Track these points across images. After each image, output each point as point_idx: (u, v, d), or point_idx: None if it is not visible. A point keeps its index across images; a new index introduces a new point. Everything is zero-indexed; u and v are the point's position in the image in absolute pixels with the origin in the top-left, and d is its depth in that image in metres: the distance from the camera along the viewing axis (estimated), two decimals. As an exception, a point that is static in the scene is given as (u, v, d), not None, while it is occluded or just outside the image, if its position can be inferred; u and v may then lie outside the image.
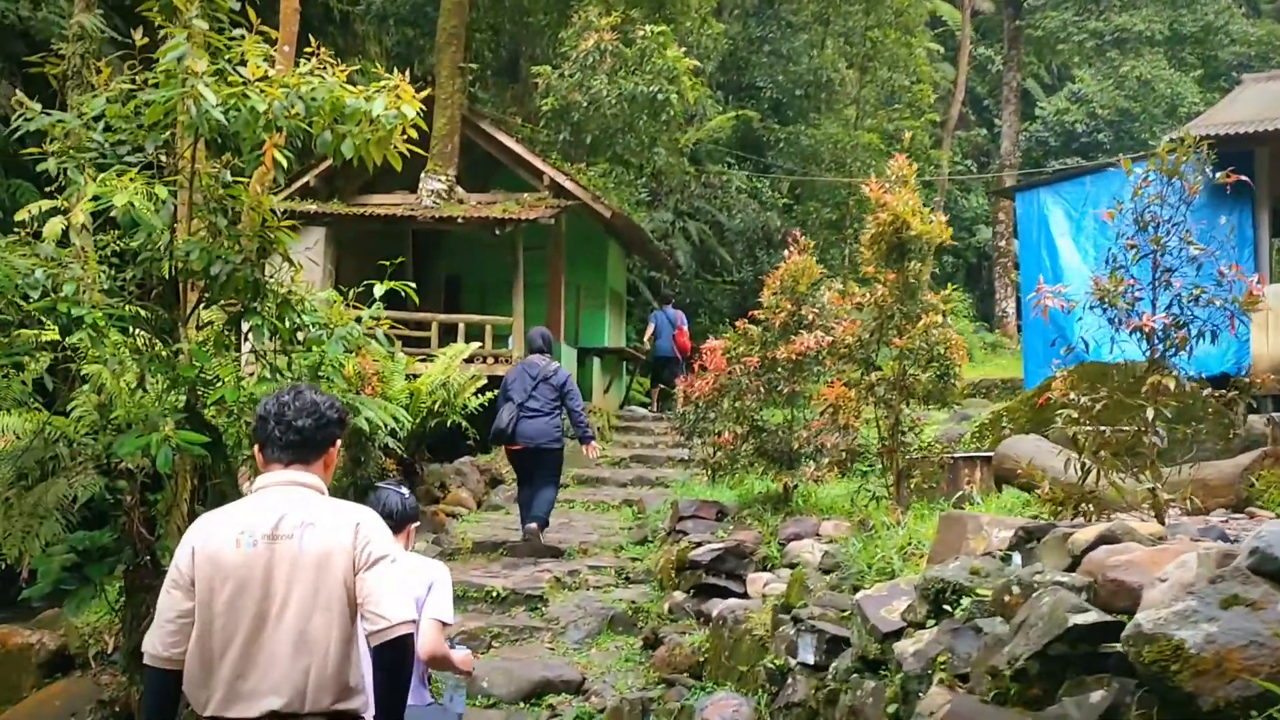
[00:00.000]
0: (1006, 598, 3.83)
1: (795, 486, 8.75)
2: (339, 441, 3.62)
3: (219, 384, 9.45)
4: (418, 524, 4.91)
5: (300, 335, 9.64)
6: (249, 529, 3.30)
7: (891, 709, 4.30)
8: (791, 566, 7.80)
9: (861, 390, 7.77)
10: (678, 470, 14.01)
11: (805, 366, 8.48)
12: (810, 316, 8.60)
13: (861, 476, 10.57)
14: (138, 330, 9.47)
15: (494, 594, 8.90)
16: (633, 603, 8.80)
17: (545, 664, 7.82)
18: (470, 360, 14.22)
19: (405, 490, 4.82)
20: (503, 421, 9.95)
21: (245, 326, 9.66)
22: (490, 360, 15.59)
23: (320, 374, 9.72)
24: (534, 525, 10.03)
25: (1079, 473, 4.92)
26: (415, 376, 12.43)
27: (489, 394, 13.53)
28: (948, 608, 4.28)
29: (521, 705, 7.45)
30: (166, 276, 9.38)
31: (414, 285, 9.75)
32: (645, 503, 11.58)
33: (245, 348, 11.04)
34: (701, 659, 6.74)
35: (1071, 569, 3.91)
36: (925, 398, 7.78)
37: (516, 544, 10.18)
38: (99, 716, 11.07)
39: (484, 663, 7.87)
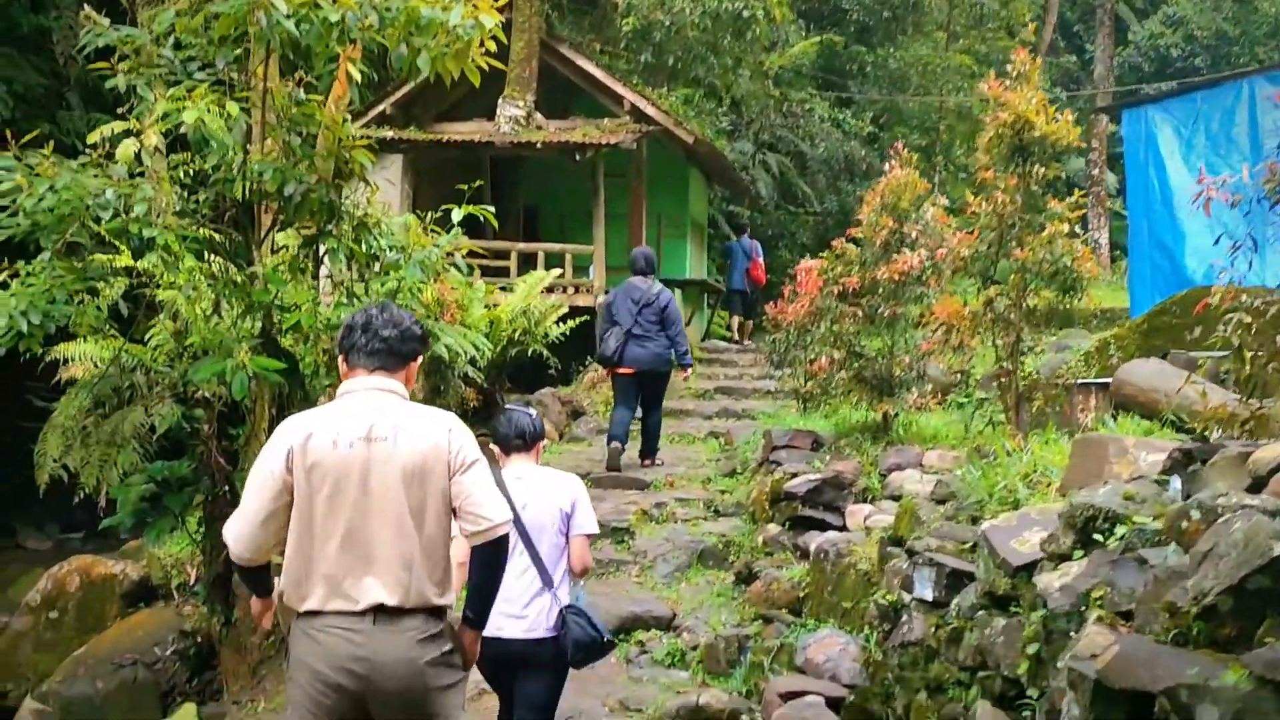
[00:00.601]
0: (1183, 524, 3.33)
1: (896, 415, 8.25)
2: (419, 359, 3.67)
3: (295, 310, 9.17)
4: (545, 442, 5.03)
5: (377, 260, 9.33)
6: (344, 431, 3.37)
7: (1031, 649, 3.86)
8: (894, 499, 7.35)
9: (979, 307, 7.22)
10: (764, 402, 13.55)
11: (907, 288, 7.95)
12: (913, 234, 8.06)
13: (960, 407, 10.09)
14: (212, 256, 9.22)
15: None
16: (723, 536, 8.41)
17: (633, 599, 7.48)
18: (550, 290, 13.86)
19: (533, 411, 4.93)
20: (610, 347, 9.83)
21: (321, 250, 9.40)
22: (570, 290, 15.23)
23: (398, 300, 9.40)
24: (616, 444, 10.00)
25: (1240, 390, 4.39)
26: (494, 305, 12.09)
27: (570, 323, 13.20)
28: (1099, 537, 3.80)
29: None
30: (240, 198, 9.09)
31: (493, 210, 9.38)
32: (733, 435, 11.15)
33: (321, 273, 10.78)
34: (801, 594, 6.33)
35: (1254, 492, 3.41)
36: (1048, 316, 7.21)
37: (601, 475, 9.84)
38: (181, 646, 10.98)
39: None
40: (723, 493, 9.47)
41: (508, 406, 5.17)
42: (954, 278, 7.56)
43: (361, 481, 3.34)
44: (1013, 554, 4.27)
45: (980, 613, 4.41)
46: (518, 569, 4.35)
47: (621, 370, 9.95)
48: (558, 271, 14.30)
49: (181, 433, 10.13)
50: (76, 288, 8.35)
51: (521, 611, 4.43)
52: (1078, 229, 7.26)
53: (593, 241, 15.71)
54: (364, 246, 8.97)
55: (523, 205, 19.41)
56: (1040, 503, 4.82)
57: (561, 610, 4.49)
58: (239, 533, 3.51)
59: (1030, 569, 4.22)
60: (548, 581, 4.49)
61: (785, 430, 8.38)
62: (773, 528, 7.63)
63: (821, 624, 5.98)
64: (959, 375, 11.28)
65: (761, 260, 18.71)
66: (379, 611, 3.31)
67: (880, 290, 7.99)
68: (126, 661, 10.80)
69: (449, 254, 9.38)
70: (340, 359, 3.64)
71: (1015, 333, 7.11)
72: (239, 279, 8.87)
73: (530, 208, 19.68)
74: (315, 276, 10.76)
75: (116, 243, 8.44)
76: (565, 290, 15.10)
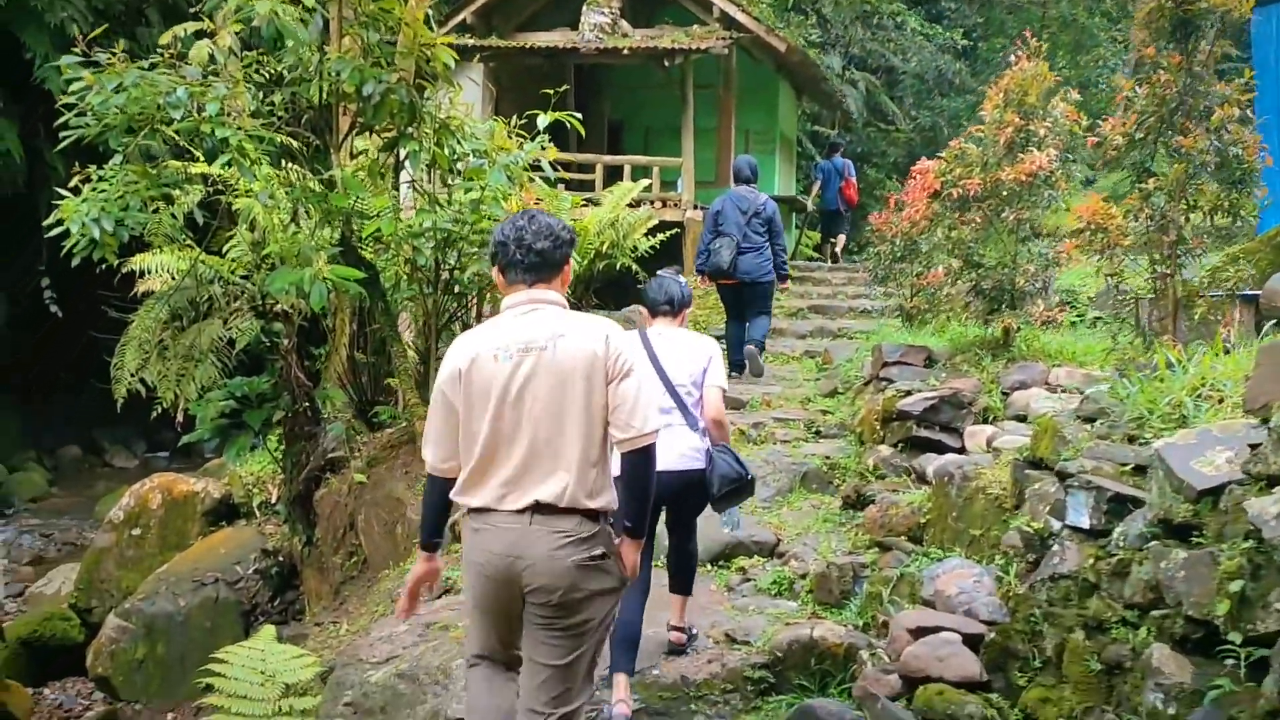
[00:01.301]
0: None
1: (1018, 330, 7.62)
2: (571, 261, 3.80)
3: (374, 218, 8.76)
4: (691, 308, 5.34)
5: (460, 166, 8.85)
6: (505, 344, 3.55)
7: (1234, 586, 3.28)
8: (1019, 419, 6.78)
9: (1135, 204, 6.53)
10: (861, 321, 12.94)
11: (1034, 191, 7.27)
12: (1041, 132, 7.36)
13: (1073, 326, 9.44)
14: (289, 162, 8.80)
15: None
16: (827, 459, 7.88)
17: (734, 523, 6.99)
18: (637, 203, 13.33)
19: (682, 278, 5.30)
20: (724, 259, 9.54)
21: (401, 155, 8.97)
22: (658, 204, 14.67)
23: (482, 210, 8.93)
24: (752, 346, 9.80)
25: None
26: (580, 218, 11.57)
27: (659, 236, 12.67)
28: (1318, 456, 3.22)
29: (709, 567, 6.67)
30: (317, 101, 8.65)
31: (579, 116, 8.83)
32: (831, 353, 10.58)
33: (401, 180, 10.32)
34: (922, 521, 5.79)
35: None
36: (1211, 211, 6.49)
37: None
38: (263, 565, 10.80)
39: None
40: (824, 413, 8.94)
41: (659, 272, 5.40)
42: (1103, 170, 6.85)
43: (521, 390, 3.51)
44: (1196, 476, 3.69)
45: (1153, 543, 3.85)
46: (667, 415, 4.74)
47: (729, 281, 9.74)
48: (645, 183, 13.74)
49: (261, 348, 9.82)
50: (151, 194, 7.99)
51: (672, 445, 4.69)
52: (1248, 113, 6.51)
53: (681, 153, 15.06)
54: (446, 151, 8.50)
55: (607, 120, 18.82)
56: (1215, 419, 4.22)
57: (708, 449, 4.90)
58: (427, 449, 3.76)
59: (1216, 493, 3.65)
60: (691, 421, 4.90)
61: (896, 345, 7.80)
62: (884, 449, 7.08)
63: (947, 553, 5.45)
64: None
65: (854, 180, 17.91)
66: (535, 510, 3.48)
67: (1004, 193, 7.31)
68: (208, 580, 10.68)
69: (535, 162, 8.88)
70: (495, 272, 3.77)
71: (1175, 232, 6.39)
72: (316, 185, 8.46)
73: (615, 123, 19.12)
74: (396, 184, 10.31)
75: (191, 149, 8.09)
76: (653, 204, 14.55)
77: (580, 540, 3.50)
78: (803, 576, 6.08)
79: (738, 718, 4.89)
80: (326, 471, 9.61)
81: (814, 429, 8.63)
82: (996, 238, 7.51)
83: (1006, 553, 4.92)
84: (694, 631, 5.48)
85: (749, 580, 6.39)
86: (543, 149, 8.91)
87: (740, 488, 5.02)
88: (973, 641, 4.47)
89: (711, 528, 6.69)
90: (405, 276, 9.24)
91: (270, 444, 10.58)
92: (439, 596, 7.01)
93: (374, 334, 10.16)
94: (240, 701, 5.11)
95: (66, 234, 7.27)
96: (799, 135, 23.01)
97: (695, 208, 14.84)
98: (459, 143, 8.46)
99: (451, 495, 3.67)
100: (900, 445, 7.02)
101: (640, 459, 3.58)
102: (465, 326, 10.70)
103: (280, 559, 10.50)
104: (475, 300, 9.78)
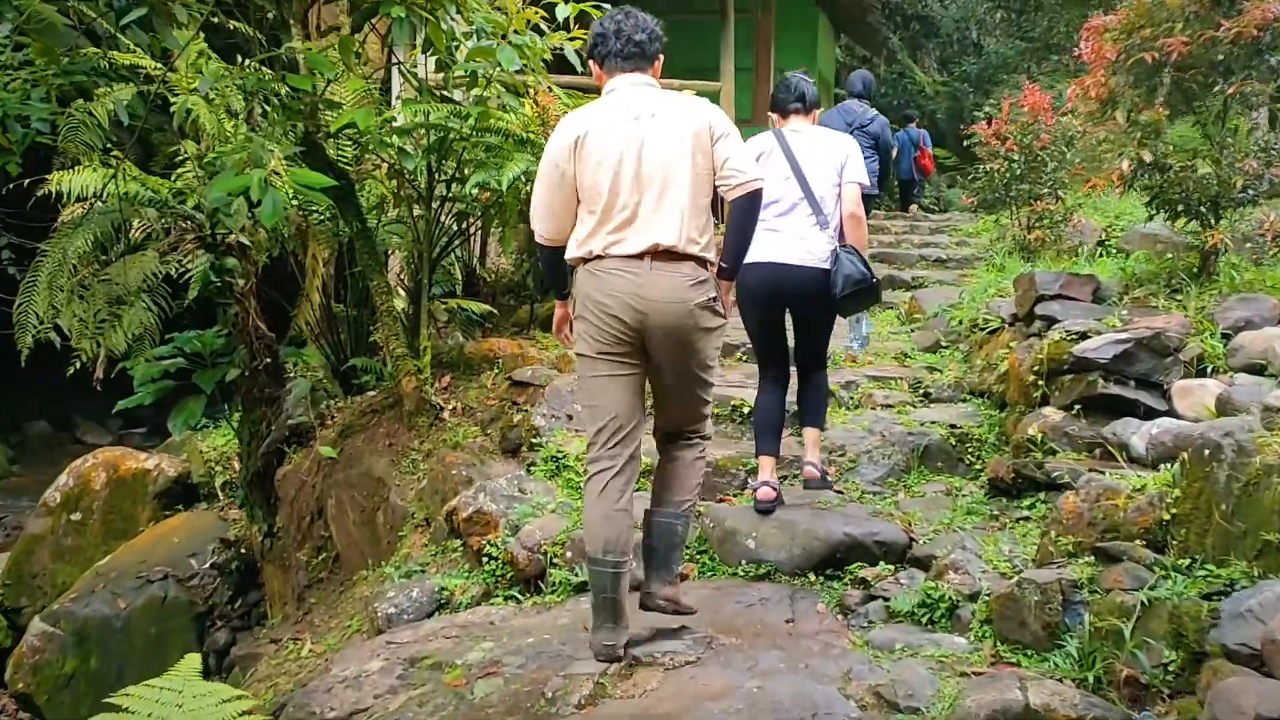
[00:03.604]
0: None
1: (1222, 252, 5.54)
2: (662, 55, 4.09)
3: (348, 109, 6.76)
4: (820, 110, 5.27)
5: (461, 45, 6.84)
6: (616, 115, 3.89)
7: None
8: (1254, 369, 4.76)
9: None
10: (934, 270, 10.89)
11: (1262, 54, 5.20)
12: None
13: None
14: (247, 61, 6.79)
15: (740, 409, 6.08)
16: (953, 428, 5.87)
17: (841, 514, 4.98)
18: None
19: (811, 79, 5.24)
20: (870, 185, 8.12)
21: (385, 33, 6.97)
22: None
23: (491, 110, 6.91)
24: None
25: None
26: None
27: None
28: None
29: (811, 578, 4.69)
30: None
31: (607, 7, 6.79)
32: (920, 302, 8.52)
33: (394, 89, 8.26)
34: (1165, 517, 3.75)
35: None
36: None
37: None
38: (222, 558, 8.89)
39: (745, 512, 5.10)
40: (930, 370, 6.89)
41: (787, 74, 5.30)
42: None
43: (637, 153, 3.83)
44: None
45: None
46: (797, 212, 4.89)
47: None
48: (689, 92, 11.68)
49: (211, 289, 7.80)
50: (58, 83, 5.97)
51: (802, 240, 4.87)
52: None
53: (721, 75, 12.97)
54: (441, 24, 6.48)
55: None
56: None
57: (835, 249, 4.88)
58: (538, 219, 4.04)
59: None
60: (823, 220, 4.88)
61: (1055, 274, 5.70)
62: (1051, 413, 5.03)
63: (1223, 567, 3.44)
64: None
65: (930, 150, 17.75)
66: (655, 255, 3.80)
67: (1220, 56, 5.23)
68: (156, 576, 8.99)
69: (558, 45, 6.85)
70: (594, 65, 4.11)
71: None
72: (266, 76, 6.46)
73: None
74: (387, 77, 8.27)
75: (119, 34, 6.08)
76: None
77: (698, 283, 3.84)
78: (970, 598, 4.05)
79: None
80: (291, 444, 7.62)
81: (921, 390, 6.61)
82: (1202, 122, 5.44)
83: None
84: (830, 474, 5.38)
85: (875, 598, 4.41)
86: (569, 37, 6.88)
87: (866, 289, 4.91)
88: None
89: (802, 516, 4.76)
90: (391, 195, 7.21)
91: (229, 412, 8.65)
92: (430, 615, 5.05)
93: (356, 277, 8.15)
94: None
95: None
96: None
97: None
98: (457, 11, 6.41)
99: (569, 255, 3.94)
100: (1076, 407, 4.98)
101: (746, 202, 3.88)
102: (466, 265, 8.70)
103: (242, 550, 8.61)
104: (479, 223, 7.74)
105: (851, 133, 8.70)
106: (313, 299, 8.37)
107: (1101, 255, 8.79)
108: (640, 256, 3.79)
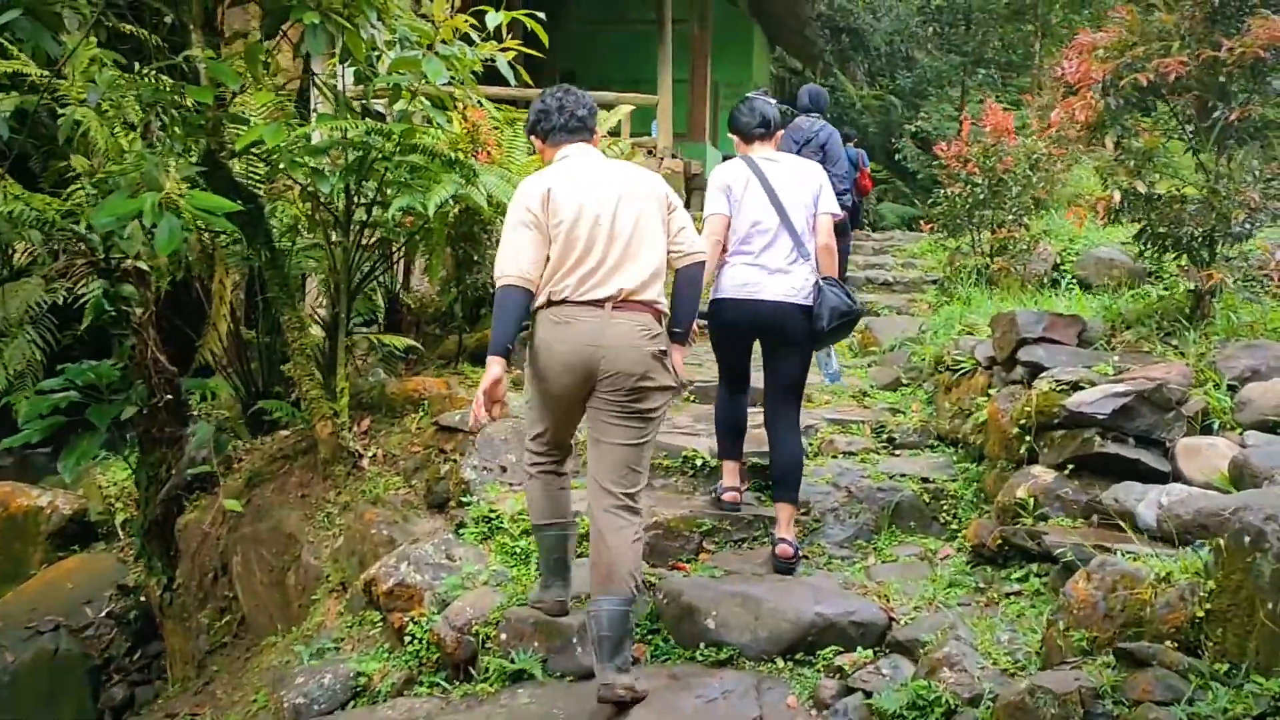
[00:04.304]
0: None
1: (1215, 293, 5.08)
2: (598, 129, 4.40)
3: (256, 124, 6.11)
4: (784, 133, 5.67)
5: (383, 55, 6.22)
6: (581, 174, 4.09)
7: None
8: (1265, 427, 4.31)
9: None
10: (882, 294, 10.47)
11: (1265, 76, 4.72)
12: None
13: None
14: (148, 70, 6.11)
15: (695, 461, 5.52)
16: (925, 482, 5.36)
17: (813, 589, 4.45)
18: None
19: (773, 100, 5.15)
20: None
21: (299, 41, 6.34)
22: (632, 147, 12.04)
23: (418, 128, 6.30)
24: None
25: None
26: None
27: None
28: None
29: (780, 664, 4.15)
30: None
31: (541, 18, 6.23)
32: (874, 332, 8.03)
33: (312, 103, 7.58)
34: (1198, 614, 3.25)
35: None
36: None
37: (707, 383, 6.78)
38: (121, 606, 8.18)
39: (703, 584, 4.54)
40: (893, 412, 6.39)
41: (748, 95, 5.19)
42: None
43: (612, 210, 4.02)
44: None
45: None
46: (778, 244, 4.82)
47: None
48: (615, 119, 11.10)
49: (105, 319, 7.08)
50: (-76, 92, 5.29)
51: (785, 274, 4.79)
52: None
53: (658, 89, 12.44)
54: (361, 31, 5.86)
55: (559, 70, 16.17)
56: None
57: (817, 280, 4.80)
58: (509, 264, 4.00)
59: None
60: (804, 252, 4.81)
61: (1037, 314, 5.18)
62: (1040, 472, 4.53)
63: (1271, 679, 2.94)
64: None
65: (868, 170, 16.21)
66: (617, 303, 3.96)
67: (1223, 77, 4.74)
68: (47, 626, 8.28)
69: (490, 56, 6.26)
70: (535, 140, 4.40)
71: None
72: (165, 86, 5.79)
73: (565, 73, 16.47)
74: (305, 90, 7.62)
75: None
76: (621, 153, 11.92)
77: (653, 335, 4.03)
78: (971, 702, 3.52)
79: None
80: (193, 490, 6.92)
81: (885, 435, 6.10)
82: (1202, 148, 4.97)
83: None
84: (799, 551, 4.91)
85: (854, 690, 3.86)
86: (501, 47, 6.30)
87: (849, 322, 4.86)
88: None
89: (765, 591, 4.24)
90: (305, 217, 6.56)
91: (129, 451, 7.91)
92: (344, 705, 4.42)
93: (269, 305, 7.45)
94: None
95: None
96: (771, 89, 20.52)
97: (673, 156, 12.26)
98: (380, 20, 5.79)
99: (540, 294, 4.04)
100: (1069, 467, 4.48)
101: (695, 270, 4.20)
102: (389, 291, 8.05)
103: (142, 598, 7.88)
104: (403, 251, 7.10)
105: (799, 150, 8.63)
106: (220, 328, 7.66)
107: (1062, 284, 8.40)
108: (602, 303, 3.94)
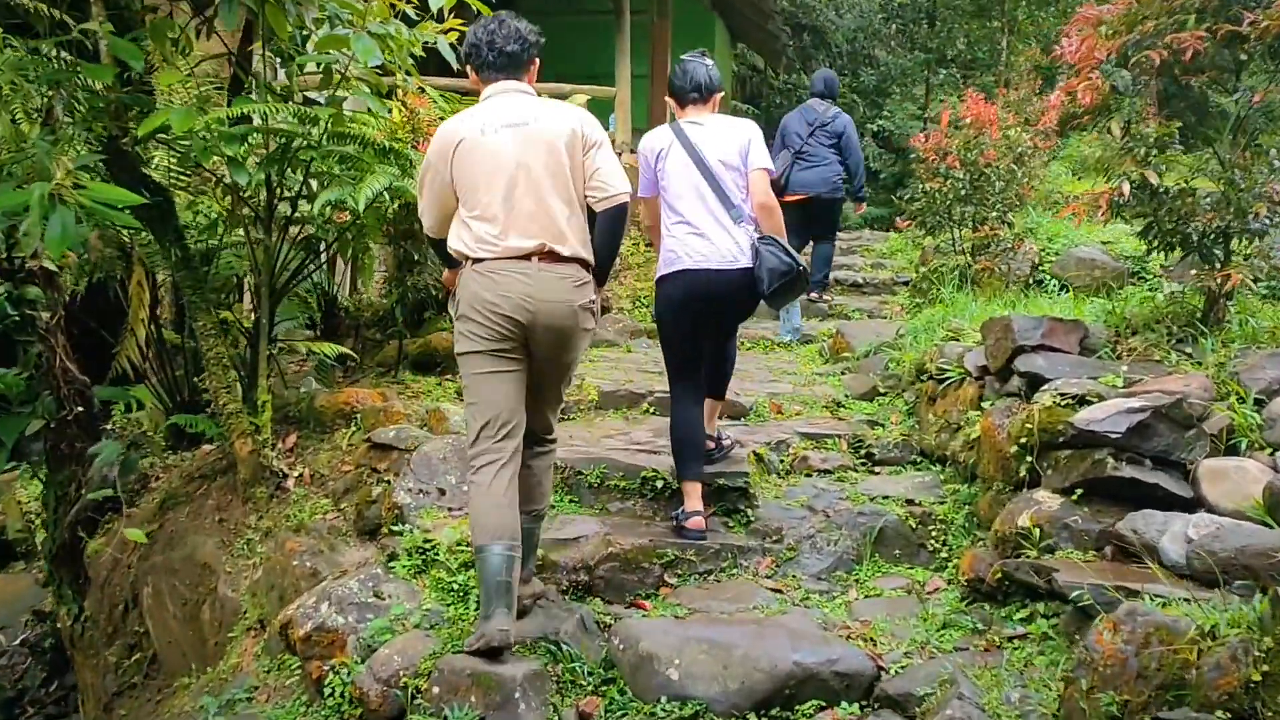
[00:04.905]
0: None
1: (1231, 295, 4.58)
2: (538, 60, 4.13)
3: (165, 107, 5.50)
4: (723, 93, 5.00)
5: (311, 40, 5.65)
6: (489, 121, 3.93)
7: None
8: (1301, 448, 3.81)
9: None
10: (850, 296, 9.98)
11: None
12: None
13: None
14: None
15: (654, 483, 4.95)
16: (909, 504, 4.84)
17: (791, 633, 3.89)
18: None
19: (709, 61, 4.90)
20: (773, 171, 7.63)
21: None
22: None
23: (349, 118, 5.73)
24: (814, 293, 9.27)
25: None
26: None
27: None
28: None
29: (750, 719, 3.59)
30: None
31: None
32: (846, 337, 7.50)
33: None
34: (1253, 677, 2.73)
35: None
36: None
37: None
38: (35, 633, 7.59)
39: (664, 628, 3.99)
40: (871, 424, 5.86)
41: (683, 57, 4.96)
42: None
43: (515, 158, 3.86)
44: None
45: None
46: (709, 206, 4.62)
47: (789, 198, 8.58)
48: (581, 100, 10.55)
49: (9, 324, 6.46)
50: None
51: (720, 241, 4.59)
52: None
53: (616, 81, 11.87)
54: (285, 7, 5.28)
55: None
56: None
57: (754, 241, 4.58)
58: (425, 214, 4.12)
59: None
60: (736, 215, 4.61)
61: (1035, 320, 4.63)
62: (1045, 498, 4.01)
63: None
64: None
65: None
66: (542, 256, 3.85)
67: (1245, 54, 4.24)
68: None
69: (430, 38, 5.71)
70: (470, 70, 4.12)
71: None
72: (60, 61, 5.16)
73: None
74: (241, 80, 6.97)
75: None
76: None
77: (581, 284, 3.94)
78: (980, 775, 2.99)
79: None
80: (108, 512, 6.31)
81: (863, 450, 5.57)
82: (1216, 138, 4.47)
83: None
84: (726, 440, 5.13)
85: (839, 755, 3.31)
86: (443, 29, 5.76)
87: (792, 281, 4.61)
88: None
89: (739, 636, 3.72)
90: (224, 211, 5.94)
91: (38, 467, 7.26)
92: None
93: (189, 309, 6.82)
94: None
95: None
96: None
97: (632, 151, 11.71)
98: (306, -7, 5.22)
99: (452, 249, 3.98)
100: (1078, 491, 3.97)
101: (614, 214, 3.97)
102: (326, 293, 7.46)
103: (57, 625, 7.24)
104: (339, 251, 6.50)
105: (810, 132, 8.86)
106: (138, 333, 7.04)
107: (1048, 285, 7.93)
108: (528, 257, 3.84)
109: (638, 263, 10.32)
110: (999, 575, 3.97)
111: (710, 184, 4.60)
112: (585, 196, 3.97)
